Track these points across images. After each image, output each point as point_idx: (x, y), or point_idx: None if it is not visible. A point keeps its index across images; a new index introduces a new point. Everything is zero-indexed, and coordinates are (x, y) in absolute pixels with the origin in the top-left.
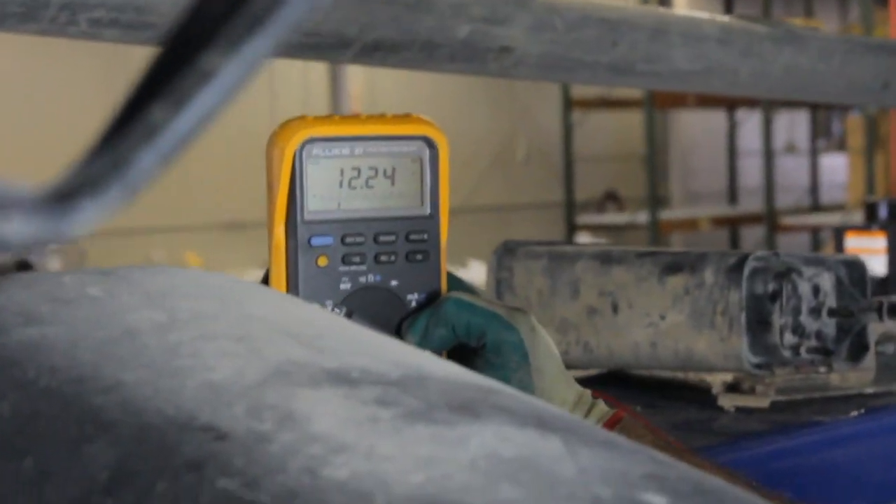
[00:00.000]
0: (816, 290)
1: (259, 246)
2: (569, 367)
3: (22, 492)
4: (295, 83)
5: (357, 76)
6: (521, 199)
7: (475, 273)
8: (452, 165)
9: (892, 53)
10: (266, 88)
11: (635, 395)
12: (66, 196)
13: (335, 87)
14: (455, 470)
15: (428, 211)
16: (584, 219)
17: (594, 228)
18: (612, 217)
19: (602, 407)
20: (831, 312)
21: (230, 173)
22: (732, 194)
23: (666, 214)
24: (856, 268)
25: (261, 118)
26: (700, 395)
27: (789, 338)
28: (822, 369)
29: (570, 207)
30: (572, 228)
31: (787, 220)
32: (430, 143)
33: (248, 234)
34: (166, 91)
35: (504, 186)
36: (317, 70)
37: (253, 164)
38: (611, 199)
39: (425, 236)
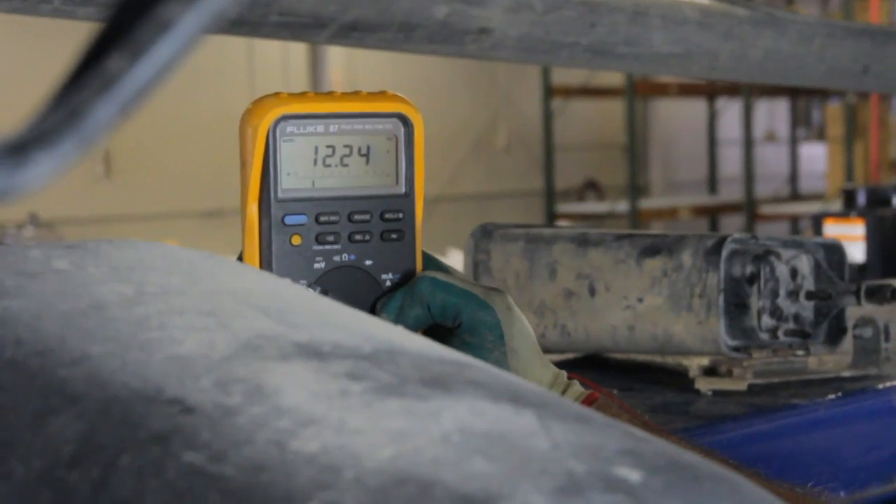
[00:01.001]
0: (794, 273)
1: (238, 233)
2: (546, 350)
3: None
4: (275, 69)
5: (337, 63)
6: (501, 187)
7: (454, 262)
8: (432, 153)
9: (872, 38)
10: (245, 74)
11: (612, 378)
12: (18, 148)
13: (315, 72)
14: (426, 444)
15: (403, 189)
16: (564, 207)
17: (574, 217)
18: (592, 206)
19: (577, 388)
20: (809, 295)
21: (209, 160)
22: (712, 183)
23: (646, 203)
24: (834, 251)
25: (239, 105)
26: (677, 379)
27: (767, 321)
28: (800, 352)
29: (550, 196)
30: (552, 217)
31: (767, 209)
32: (406, 121)
33: (226, 221)
34: (124, 41)
35: (484, 174)
36: (297, 56)
37: (231, 151)
38: (591, 187)
39: (400, 215)
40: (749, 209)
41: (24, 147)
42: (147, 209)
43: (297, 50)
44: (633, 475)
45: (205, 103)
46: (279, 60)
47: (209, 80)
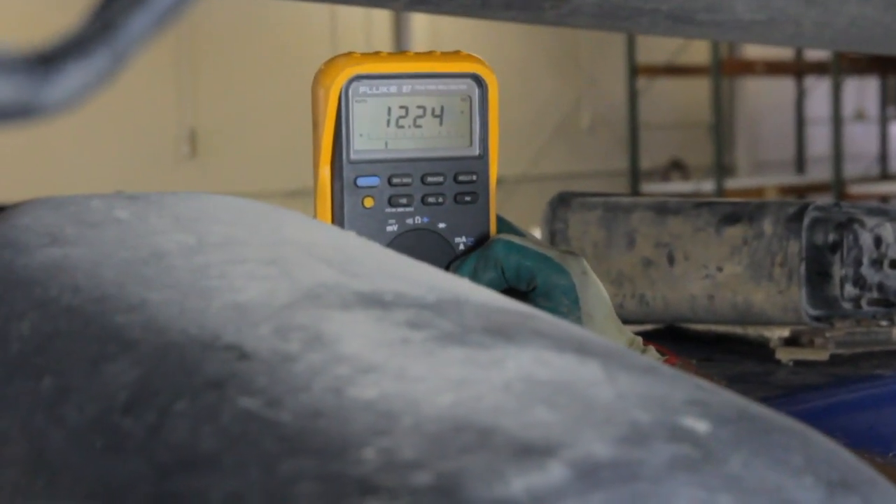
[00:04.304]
0: (878, 241)
1: None
2: (624, 321)
3: (40, 410)
4: (358, 48)
5: (420, 41)
6: (585, 167)
7: None
8: (516, 133)
9: None
10: (328, 52)
11: (692, 349)
12: (49, 58)
13: (398, 49)
14: (488, 391)
15: (477, 151)
16: (648, 187)
17: (659, 197)
18: (677, 186)
19: (653, 353)
20: (893, 264)
21: (293, 139)
22: (800, 163)
23: (732, 183)
24: None
25: None
26: (758, 350)
27: (850, 290)
28: (884, 323)
29: (635, 176)
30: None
31: (855, 189)
32: (480, 82)
33: (311, 200)
34: None
35: (568, 154)
36: (380, 35)
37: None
38: (676, 167)
39: (474, 177)
40: (837, 189)
41: (54, 57)
42: (233, 189)
43: (381, 29)
44: (701, 425)
45: (288, 82)
46: (362, 39)
47: (292, 58)
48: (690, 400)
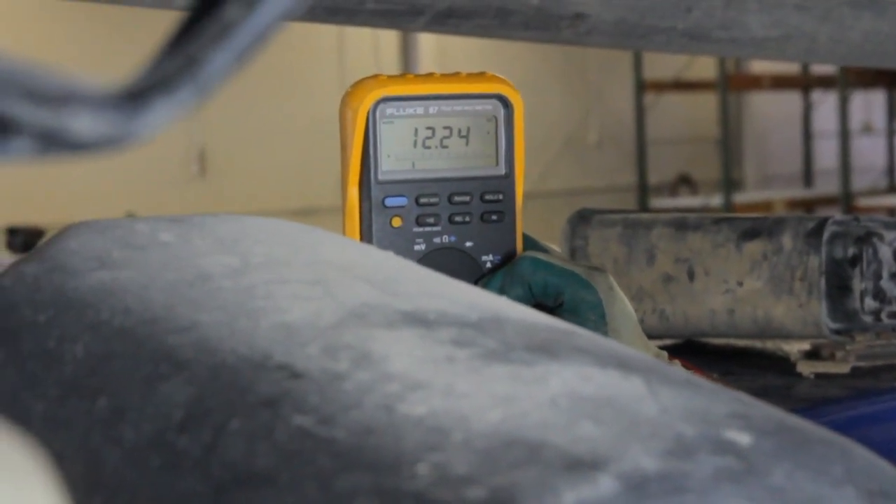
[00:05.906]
0: None
1: (331, 229)
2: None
3: (96, 430)
4: (366, 70)
5: (428, 60)
6: (593, 182)
7: None
8: (524, 149)
9: None
10: (336, 72)
11: (712, 363)
12: (136, 94)
13: (406, 69)
14: (534, 407)
15: (503, 171)
16: (657, 202)
17: (668, 212)
18: (685, 200)
19: (678, 367)
20: None
21: (301, 158)
22: (808, 176)
23: (740, 197)
24: None
25: (331, 103)
26: (778, 363)
27: (870, 303)
28: None
29: (643, 191)
30: (645, 213)
31: (864, 202)
32: (506, 102)
33: (318, 219)
34: None
35: (576, 170)
36: (388, 51)
37: (322, 149)
38: (684, 182)
39: (500, 196)
40: (845, 202)
41: (142, 93)
42: (241, 207)
43: (389, 48)
44: (743, 438)
45: (297, 102)
46: (371, 59)
47: (300, 77)
48: (732, 413)
